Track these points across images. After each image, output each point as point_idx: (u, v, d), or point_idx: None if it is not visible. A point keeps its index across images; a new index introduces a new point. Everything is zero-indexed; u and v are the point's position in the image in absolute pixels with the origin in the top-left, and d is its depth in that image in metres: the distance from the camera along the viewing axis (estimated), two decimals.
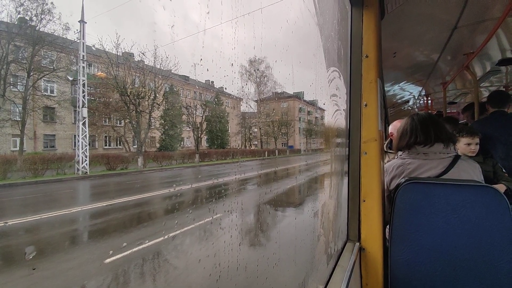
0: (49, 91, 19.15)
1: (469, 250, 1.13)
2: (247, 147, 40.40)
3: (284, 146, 43.42)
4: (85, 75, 14.79)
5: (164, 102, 24.77)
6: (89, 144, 21.73)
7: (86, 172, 14.30)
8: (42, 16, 16.28)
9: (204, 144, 34.86)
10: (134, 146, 23.79)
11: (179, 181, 13.12)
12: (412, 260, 1.20)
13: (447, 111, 5.19)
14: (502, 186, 1.84)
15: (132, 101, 20.41)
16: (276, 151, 37.24)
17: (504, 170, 1.99)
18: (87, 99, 16.73)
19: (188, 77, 31.09)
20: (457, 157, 1.34)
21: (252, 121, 40.36)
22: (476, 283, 1.11)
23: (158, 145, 28.21)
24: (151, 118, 22.84)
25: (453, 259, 1.15)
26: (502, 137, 2.15)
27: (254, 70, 36.89)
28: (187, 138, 33.47)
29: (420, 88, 4.96)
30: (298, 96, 44.16)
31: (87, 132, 14.97)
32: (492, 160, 2.01)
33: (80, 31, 14.70)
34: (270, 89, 38.75)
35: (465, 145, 1.96)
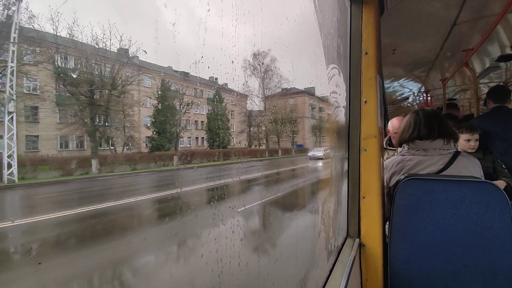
0: (31, 88, 16.84)
1: (469, 246, 1.14)
2: (255, 147, 38.32)
3: (294, 145, 40.31)
4: (14, 61, 12.29)
5: (124, 94, 20.34)
6: (77, 145, 18.77)
7: (14, 180, 11.45)
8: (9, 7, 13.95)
9: (205, 143, 33.88)
10: (127, 147, 21.47)
11: (124, 192, 10.53)
12: (412, 256, 1.21)
13: (457, 107, 5.20)
14: (502, 183, 1.84)
15: (82, 92, 16.69)
16: (280, 150, 35.18)
17: (503, 166, 2.00)
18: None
19: (188, 73, 30.03)
20: (457, 153, 1.35)
21: (257, 119, 38.07)
22: (476, 279, 1.12)
23: (146, 145, 25.78)
24: (112, 113, 18.75)
25: (452, 255, 1.15)
26: (502, 133, 2.15)
27: (258, 64, 34.55)
28: (188, 137, 32.60)
29: (419, 85, 4.96)
30: (308, 92, 40.70)
31: (14, 131, 11.94)
32: (492, 156, 2.02)
33: (16, 10, 12.32)
34: (276, 84, 36.39)
35: (465, 141, 1.97)
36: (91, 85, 17.15)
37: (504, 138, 2.14)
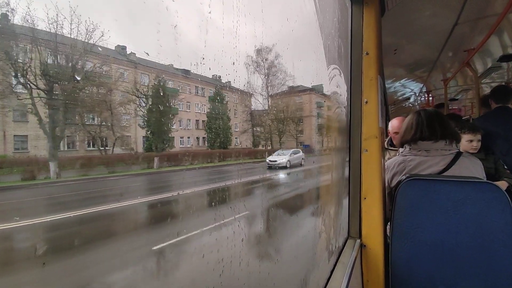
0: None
1: (470, 246, 1.13)
2: (262, 147, 35.93)
3: (301, 145, 37.68)
4: None
5: (90, 86, 16.94)
6: (68, 146, 16.67)
7: None
8: None
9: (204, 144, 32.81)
10: (124, 147, 19.15)
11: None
12: (413, 256, 1.20)
13: (449, 108, 5.18)
14: (504, 183, 1.83)
15: (35, 83, 13.73)
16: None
17: (505, 167, 1.99)
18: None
19: (189, 71, 28.51)
20: (458, 154, 1.34)
21: (260, 118, 36.03)
22: (477, 279, 1.12)
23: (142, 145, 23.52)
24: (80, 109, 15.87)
25: (454, 256, 1.15)
26: (504, 133, 2.15)
27: (262, 60, 32.83)
28: (187, 137, 31.57)
29: (421, 85, 4.95)
30: (315, 90, 37.44)
31: None
32: (494, 157, 2.01)
33: None
34: (280, 81, 34.65)
35: (467, 141, 1.96)
36: (45, 76, 14.01)
37: (506, 138, 2.13)
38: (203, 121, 32.43)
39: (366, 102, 1.31)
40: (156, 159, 18.00)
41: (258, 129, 37.42)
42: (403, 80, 4.53)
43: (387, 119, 4.98)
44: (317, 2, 1.14)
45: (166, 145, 23.84)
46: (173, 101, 26.48)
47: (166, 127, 23.93)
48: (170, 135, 24.86)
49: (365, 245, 1.27)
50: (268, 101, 35.74)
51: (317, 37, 1.21)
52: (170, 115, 24.64)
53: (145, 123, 23.75)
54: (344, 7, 1.38)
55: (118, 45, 19.19)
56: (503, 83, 4.38)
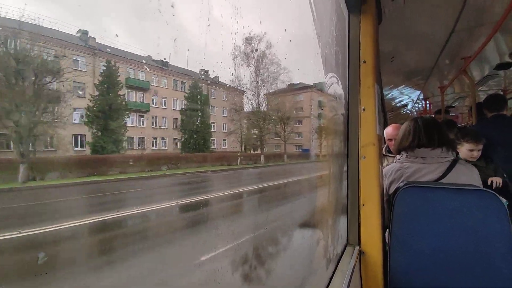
0: None
1: (467, 254, 1.13)
2: (254, 151, 32.02)
3: (299, 149, 34.43)
4: None
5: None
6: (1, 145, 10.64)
7: None
8: None
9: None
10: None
11: None
12: (412, 264, 1.20)
13: (450, 114, 5.23)
14: (498, 178, 1.85)
15: None
16: (262, 156, 27.60)
17: (505, 175, 2.00)
18: None
19: (167, 62, 23.12)
20: (455, 161, 1.35)
21: (237, 118, 29.95)
22: (475, 287, 1.11)
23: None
24: None
25: (451, 264, 1.15)
26: (502, 140, 2.16)
27: (252, 51, 27.02)
28: (162, 138, 23.16)
29: (418, 92, 4.99)
30: (317, 87, 31.41)
31: None
32: (494, 165, 2.02)
33: None
34: (272, 75, 29.32)
35: (468, 150, 1.96)
36: None
37: (503, 145, 2.15)
38: (182, 119, 27.41)
39: (364, 110, 1.32)
40: (21, 168, 10.31)
41: (244, 130, 32.26)
42: (401, 87, 4.56)
43: (385, 125, 5.00)
44: (314, 11, 1.16)
45: (119, 147, 18.28)
46: (144, 95, 21.59)
47: (115, 125, 18.59)
48: (124, 136, 19.23)
49: (364, 252, 1.27)
50: (258, 98, 29.90)
51: (315, 46, 1.22)
52: (124, 111, 19.23)
53: (88, 120, 17.55)
54: (342, 16, 1.40)
55: (79, 29, 16.61)
56: (500, 91, 4.43)
